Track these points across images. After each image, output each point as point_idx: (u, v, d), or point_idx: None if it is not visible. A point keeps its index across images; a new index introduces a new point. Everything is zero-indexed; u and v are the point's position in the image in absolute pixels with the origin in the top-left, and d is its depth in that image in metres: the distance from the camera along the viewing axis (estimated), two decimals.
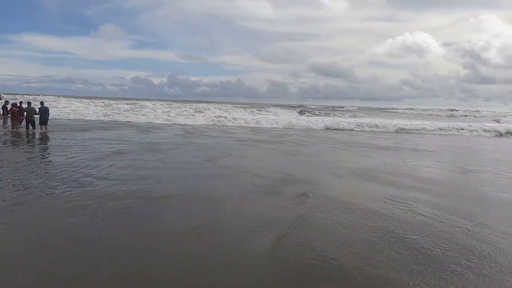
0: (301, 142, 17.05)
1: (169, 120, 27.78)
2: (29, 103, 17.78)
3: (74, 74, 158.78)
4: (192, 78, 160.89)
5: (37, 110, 17.47)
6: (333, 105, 76.78)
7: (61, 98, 49.00)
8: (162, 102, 51.11)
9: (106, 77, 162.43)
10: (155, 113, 31.85)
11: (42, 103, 18.40)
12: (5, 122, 17.98)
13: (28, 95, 69.17)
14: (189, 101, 77.38)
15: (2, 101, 19.03)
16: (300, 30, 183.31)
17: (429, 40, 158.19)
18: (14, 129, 17.01)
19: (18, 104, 17.75)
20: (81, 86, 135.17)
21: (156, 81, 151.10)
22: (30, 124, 17.24)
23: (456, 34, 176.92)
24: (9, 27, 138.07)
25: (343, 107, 67.52)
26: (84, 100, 51.89)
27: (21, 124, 17.52)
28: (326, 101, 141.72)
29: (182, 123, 26.95)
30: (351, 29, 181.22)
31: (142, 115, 29.76)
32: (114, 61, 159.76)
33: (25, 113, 17.28)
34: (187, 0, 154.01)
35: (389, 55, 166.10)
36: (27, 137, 15.15)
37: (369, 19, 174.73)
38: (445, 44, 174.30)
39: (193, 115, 31.38)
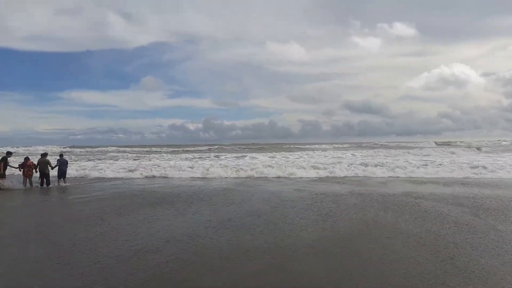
0: None
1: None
2: (43, 155, 16.71)
3: (116, 125, 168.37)
4: (226, 122, 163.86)
5: (51, 163, 16.34)
6: (368, 141, 72.59)
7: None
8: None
9: (145, 126, 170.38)
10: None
11: (61, 155, 17.44)
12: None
13: (74, 147, 72.48)
14: (223, 144, 77.23)
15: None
16: (331, 70, 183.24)
17: (467, 71, 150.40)
18: (27, 186, 15.69)
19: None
20: (122, 135, 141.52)
21: (192, 127, 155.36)
22: (44, 178, 15.98)
23: (494, 64, 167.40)
24: (58, 85, 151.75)
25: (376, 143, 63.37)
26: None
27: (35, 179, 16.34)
28: (361, 138, 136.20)
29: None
30: (383, 65, 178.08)
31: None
32: (152, 111, 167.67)
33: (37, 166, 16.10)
34: (218, 52, 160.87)
35: (425, 88, 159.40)
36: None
37: (401, 55, 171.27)
38: (484, 74, 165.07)
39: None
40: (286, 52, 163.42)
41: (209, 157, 34.38)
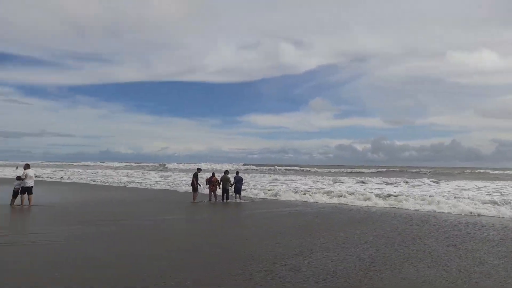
0: None
1: None
2: (225, 172, 18.51)
3: (286, 145, 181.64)
4: (397, 143, 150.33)
5: (232, 180, 17.87)
6: None
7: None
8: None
9: (313, 146, 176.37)
10: None
11: (237, 172, 18.94)
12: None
13: (251, 165, 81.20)
14: (394, 167, 70.55)
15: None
16: None
17: None
18: (211, 200, 17.57)
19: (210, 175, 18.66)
20: (292, 155, 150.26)
21: (359, 147, 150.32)
22: (225, 193, 17.61)
23: None
24: (239, 111, 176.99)
25: None
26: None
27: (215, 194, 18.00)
28: None
29: None
30: None
31: None
32: (320, 131, 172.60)
33: (221, 183, 17.86)
34: (388, 68, 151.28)
35: None
36: None
37: None
38: None
39: None
40: (473, 61, 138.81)
41: (400, 184, 29.64)
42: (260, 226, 10.82)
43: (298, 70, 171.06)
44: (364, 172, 50.21)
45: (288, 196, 19.95)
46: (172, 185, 27.81)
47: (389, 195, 18.70)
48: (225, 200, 17.49)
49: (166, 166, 72.16)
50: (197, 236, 9.23)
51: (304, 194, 20.40)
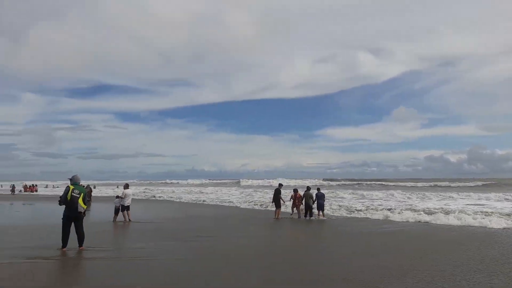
0: None
1: None
2: (308, 188, 17.97)
3: (369, 158, 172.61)
4: (499, 152, 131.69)
5: (314, 196, 17.29)
6: None
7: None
8: None
9: (398, 158, 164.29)
10: None
11: (318, 189, 18.27)
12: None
13: (331, 179, 78.75)
14: (497, 179, 61.57)
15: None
16: None
17: None
18: (295, 215, 17.26)
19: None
20: (375, 169, 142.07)
21: (452, 158, 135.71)
22: (308, 210, 17.11)
23: None
24: (317, 125, 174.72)
25: None
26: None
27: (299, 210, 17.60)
28: None
29: None
30: None
31: None
32: (405, 142, 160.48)
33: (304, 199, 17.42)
34: (481, 70, 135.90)
35: None
36: None
37: None
38: None
39: None
40: None
41: None
42: (346, 245, 10.05)
43: (378, 79, 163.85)
44: (463, 186, 44.71)
45: (375, 214, 18.46)
46: (252, 201, 28.06)
47: (505, 213, 16.11)
48: (308, 217, 16.96)
49: (243, 182, 73.99)
50: (278, 256, 8.82)
51: (391, 210, 18.77)
